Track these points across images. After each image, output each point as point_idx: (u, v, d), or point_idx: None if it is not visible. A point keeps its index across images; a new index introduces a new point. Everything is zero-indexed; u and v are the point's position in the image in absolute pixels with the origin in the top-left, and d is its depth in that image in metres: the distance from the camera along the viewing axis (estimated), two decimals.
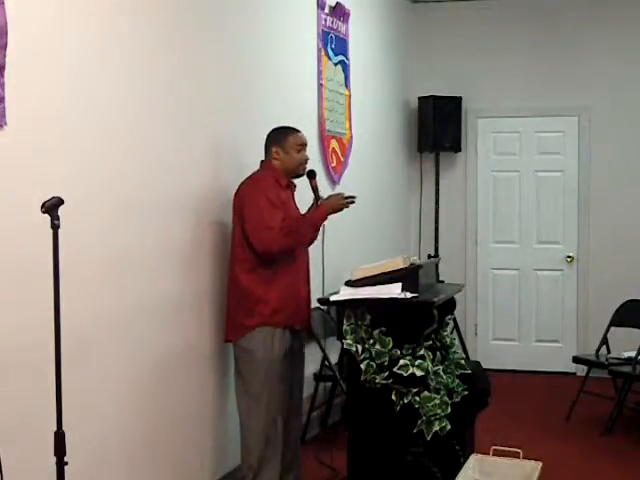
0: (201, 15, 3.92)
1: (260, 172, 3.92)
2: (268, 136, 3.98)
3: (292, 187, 4.03)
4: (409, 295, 3.73)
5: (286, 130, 3.97)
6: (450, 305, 4.26)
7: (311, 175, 4.02)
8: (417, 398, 3.70)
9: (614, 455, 5.01)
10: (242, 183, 3.87)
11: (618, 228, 7.00)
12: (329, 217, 3.88)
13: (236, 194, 3.85)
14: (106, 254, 3.21)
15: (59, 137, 2.94)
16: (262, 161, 3.97)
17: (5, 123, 2.65)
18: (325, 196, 3.96)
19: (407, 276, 3.83)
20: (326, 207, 3.86)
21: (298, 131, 3.99)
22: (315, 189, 4.02)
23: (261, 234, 3.71)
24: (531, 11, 7.14)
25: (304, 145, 3.98)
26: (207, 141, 3.96)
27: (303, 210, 4.06)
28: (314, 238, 3.91)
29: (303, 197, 4.08)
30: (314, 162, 5.32)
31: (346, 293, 3.86)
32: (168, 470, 3.68)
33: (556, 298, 7.22)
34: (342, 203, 3.88)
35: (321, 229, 3.88)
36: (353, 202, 3.91)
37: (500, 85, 7.24)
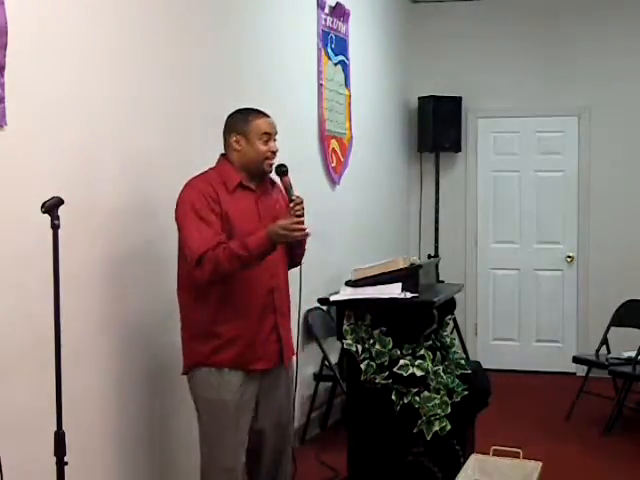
0: (201, 15, 3.92)
1: (209, 170, 3.16)
2: (229, 120, 3.17)
3: (257, 188, 3.17)
4: (409, 295, 3.73)
5: (249, 112, 3.13)
6: (450, 305, 4.26)
7: (281, 172, 3.14)
8: (417, 398, 3.70)
9: (614, 455, 5.01)
10: None
11: (618, 228, 6.99)
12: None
13: None
14: (106, 254, 3.21)
15: (59, 137, 2.93)
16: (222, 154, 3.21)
17: (5, 123, 2.65)
18: (296, 195, 3.08)
19: (407, 276, 3.83)
20: (270, 233, 2.93)
21: (265, 114, 3.15)
22: (287, 188, 3.12)
23: (185, 253, 3.00)
24: (531, 11, 7.14)
25: (272, 134, 3.13)
26: (212, 141, 3.96)
27: None
28: (236, 269, 2.95)
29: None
30: (314, 162, 5.34)
31: (346, 293, 3.86)
32: (168, 470, 3.69)
33: (556, 298, 7.21)
34: (293, 230, 2.93)
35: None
36: (305, 235, 3.00)
37: (500, 85, 7.24)
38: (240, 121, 3.12)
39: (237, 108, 3.21)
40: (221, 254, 2.91)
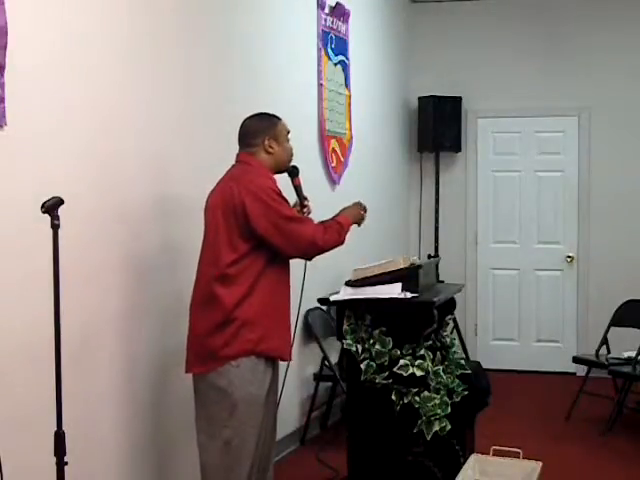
0: (206, 16, 3.92)
1: (249, 167, 3.22)
2: (254, 125, 3.27)
3: None
4: (409, 295, 3.73)
5: (270, 117, 3.32)
6: (450, 305, 4.26)
7: (294, 172, 3.40)
8: (417, 398, 3.70)
9: (614, 455, 5.01)
10: (222, 181, 3.22)
11: (618, 228, 7.00)
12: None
13: (220, 192, 3.17)
14: (106, 254, 3.21)
15: (59, 137, 2.94)
16: (240, 155, 3.29)
17: (5, 123, 2.65)
18: (307, 196, 3.45)
19: (407, 276, 3.83)
20: (349, 216, 3.38)
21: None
22: (298, 188, 3.41)
23: (300, 229, 3.15)
24: (531, 11, 7.14)
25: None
26: (213, 141, 3.96)
27: None
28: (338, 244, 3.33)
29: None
30: (314, 162, 5.34)
31: (346, 293, 3.86)
32: (168, 470, 3.69)
33: (556, 298, 7.21)
34: (362, 215, 3.46)
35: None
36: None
37: (500, 85, 7.24)
38: (269, 125, 3.28)
39: (251, 114, 3.32)
40: (332, 226, 3.26)
